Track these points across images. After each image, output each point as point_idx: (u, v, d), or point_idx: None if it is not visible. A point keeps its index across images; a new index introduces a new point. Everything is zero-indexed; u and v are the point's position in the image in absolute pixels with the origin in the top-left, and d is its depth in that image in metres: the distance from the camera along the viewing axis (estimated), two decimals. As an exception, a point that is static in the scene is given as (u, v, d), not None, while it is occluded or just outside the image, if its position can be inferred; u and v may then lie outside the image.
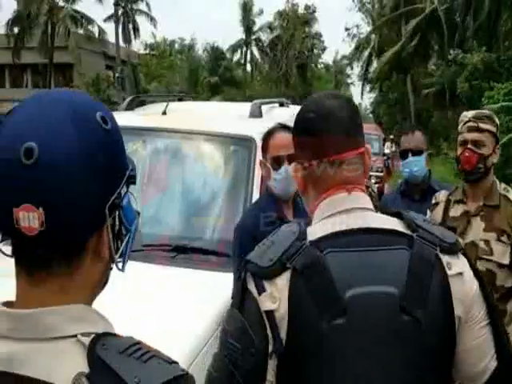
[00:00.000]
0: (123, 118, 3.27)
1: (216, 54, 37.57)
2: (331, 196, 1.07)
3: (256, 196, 2.78)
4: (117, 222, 0.76)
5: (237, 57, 41.79)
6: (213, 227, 2.69)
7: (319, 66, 42.67)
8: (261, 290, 1.00)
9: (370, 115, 43.46)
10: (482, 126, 2.20)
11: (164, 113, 3.13)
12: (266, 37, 40.05)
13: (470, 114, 2.26)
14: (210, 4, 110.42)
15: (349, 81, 45.09)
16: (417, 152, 2.71)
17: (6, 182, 0.67)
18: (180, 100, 4.31)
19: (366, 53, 31.74)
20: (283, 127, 2.20)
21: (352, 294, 0.96)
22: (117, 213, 0.75)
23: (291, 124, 4.17)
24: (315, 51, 39.40)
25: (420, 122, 25.88)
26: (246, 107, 3.77)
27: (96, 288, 0.77)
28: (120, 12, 32.41)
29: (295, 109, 4.43)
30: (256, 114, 3.31)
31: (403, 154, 2.75)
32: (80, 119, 0.70)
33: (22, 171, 0.66)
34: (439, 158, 21.97)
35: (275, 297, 0.98)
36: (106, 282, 0.79)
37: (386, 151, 13.98)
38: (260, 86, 38.16)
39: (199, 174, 2.91)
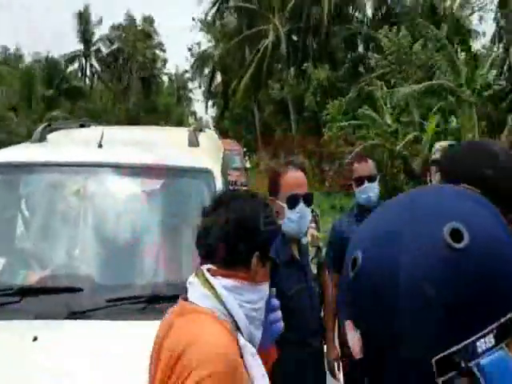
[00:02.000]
0: (57, 154, 2.85)
1: (51, 64, 34.83)
2: None
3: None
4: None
5: (73, 68, 39.40)
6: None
7: (163, 78, 42.38)
8: None
9: (212, 129, 44.34)
10: None
11: (100, 145, 2.78)
12: (105, 49, 38.47)
13: (444, 143, 2.48)
14: (39, 13, 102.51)
15: (191, 96, 45.54)
16: (372, 178, 2.87)
17: None
18: (82, 126, 3.89)
19: (209, 69, 32.52)
20: (294, 165, 2.14)
21: None
22: (476, 372, 0.51)
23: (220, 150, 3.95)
24: (158, 63, 39.01)
25: (265, 137, 27.38)
26: (178, 134, 3.55)
27: None
28: None
29: (208, 132, 4.35)
30: (195, 142, 3.15)
31: (358, 181, 2.88)
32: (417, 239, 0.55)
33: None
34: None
35: None
36: None
37: (248, 165, 14.47)
38: (100, 99, 36.41)
39: (158, 213, 2.66)
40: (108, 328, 2.20)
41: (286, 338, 2.00)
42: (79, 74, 39.74)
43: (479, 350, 0.50)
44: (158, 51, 38.67)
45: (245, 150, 17.90)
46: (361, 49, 22.55)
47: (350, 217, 3.01)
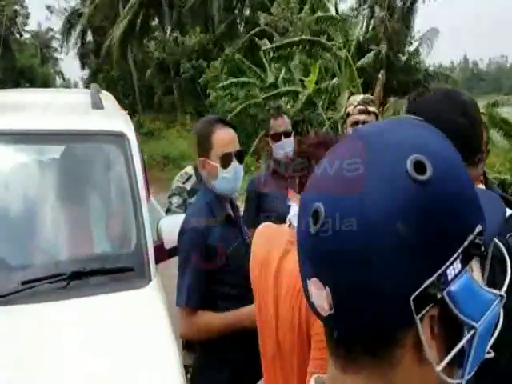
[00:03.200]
0: None
1: None
2: None
3: (144, 198, 2.50)
4: (452, 314, 0.53)
5: None
6: (113, 242, 2.32)
7: (25, 36, 38.15)
8: None
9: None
10: (369, 108, 2.50)
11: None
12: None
13: (358, 98, 2.54)
14: None
15: (57, 55, 41.80)
16: (287, 134, 2.90)
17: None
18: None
19: (79, 27, 30.07)
20: (223, 122, 2.05)
21: None
22: (447, 300, 0.51)
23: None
24: (19, 20, 34.94)
25: (145, 99, 26.32)
26: (78, 96, 3.24)
27: None
28: None
29: (105, 93, 4.08)
30: (99, 104, 2.91)
31: (275, 137, 2.90)
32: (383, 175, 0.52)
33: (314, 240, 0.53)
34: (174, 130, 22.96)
35: None
36: None
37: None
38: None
39: (67, 182, 2.43)
40: (27, 312, 2.00)
41: (227, 293, 2.00)
42: None
43: (449, 277, 0.51)
44: (17, 7, 34.64)
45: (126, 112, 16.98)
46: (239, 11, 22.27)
47: (267, 173, 3.03)
